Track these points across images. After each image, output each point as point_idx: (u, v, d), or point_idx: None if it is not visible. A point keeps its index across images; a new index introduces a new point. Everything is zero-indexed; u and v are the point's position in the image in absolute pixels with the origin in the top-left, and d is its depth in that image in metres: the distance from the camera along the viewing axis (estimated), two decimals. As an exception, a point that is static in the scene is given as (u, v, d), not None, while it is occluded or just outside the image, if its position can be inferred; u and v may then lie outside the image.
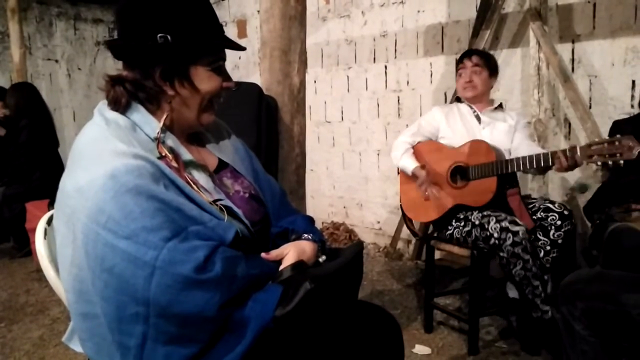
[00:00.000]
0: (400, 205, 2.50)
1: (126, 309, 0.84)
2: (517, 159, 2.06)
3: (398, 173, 2.50)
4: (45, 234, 1.08)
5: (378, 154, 3.85)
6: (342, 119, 4.09)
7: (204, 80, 1.02)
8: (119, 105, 0.98)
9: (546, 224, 2.12)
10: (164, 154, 0.96)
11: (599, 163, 1.82)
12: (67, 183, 0.91)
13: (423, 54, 3.43)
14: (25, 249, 3.77)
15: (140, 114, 0.99)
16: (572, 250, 2.54)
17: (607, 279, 1.49)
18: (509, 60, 2.97)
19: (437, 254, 2.65)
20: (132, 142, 0.93)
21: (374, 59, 3.76)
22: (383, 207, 3.88)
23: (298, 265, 0.99)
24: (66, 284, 0.92)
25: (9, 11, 4.67)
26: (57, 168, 3.96)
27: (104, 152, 0.89)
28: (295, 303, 0.88)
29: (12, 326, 2.65)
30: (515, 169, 2.08)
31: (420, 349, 2.26)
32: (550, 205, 2.15)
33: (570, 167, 1.92)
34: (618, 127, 2.19)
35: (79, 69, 5.82)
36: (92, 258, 0.84)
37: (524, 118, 2.45)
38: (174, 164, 0.97)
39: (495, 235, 2.02)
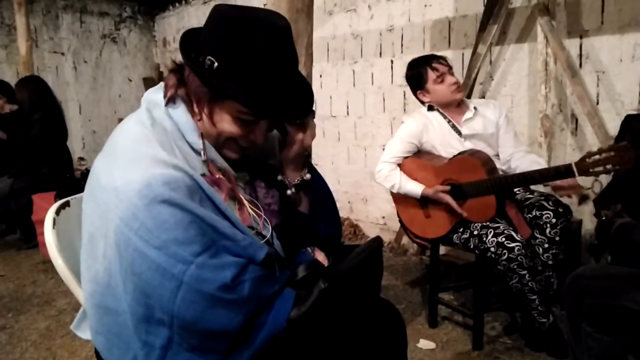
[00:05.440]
0: (401, 222, 2.45)
1: (154, 312, 0.85)
2: (512, 177, 2.01)
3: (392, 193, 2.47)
4: (54, 223, 1.08)
5: (383, 149, 3.79)
6: (348, 113, 4.09)
7: (224, 121, 0.96)
8: (166, 92, 0.97)
9: (541, 222, 2.09)
10: (217, 176, 0.97)
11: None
12: (103, 176, 0.90)
13: (430, 49, 3.40)
14: (32, 241, 3.79)
15: (179, 113, 0.96)
16: (577, 246, 2.53)
17: (613, 276, 1.49)
18: (516, 55, 2.95)
19: (442, 250, 2.65)
20: (175, 150, 0.92)
21: (380, 53, 3.75)
22: (388, 203, 3.87)
23: (312, 264, 0.99)
24: (91, 273, 0.92)
25: (16, 4, 4.67)
26: (65, 161, 3.97)
27: (144, 157, 0.88)
28: (310, 304, 0.89)
29: (19, 317, 2.67)
30: (512, 188, 2.05)
31: (424, 344, 2.26)
32: (545, 203, 2.11)
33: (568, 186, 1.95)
34: (629, 122, 2.17)
35: (85, 62, 5.83)
36: (124, 259, 0.85)
37: (501, 114, 2.33)
38: (228, 184, 0.98)
39: (492, 249, 2.01)
